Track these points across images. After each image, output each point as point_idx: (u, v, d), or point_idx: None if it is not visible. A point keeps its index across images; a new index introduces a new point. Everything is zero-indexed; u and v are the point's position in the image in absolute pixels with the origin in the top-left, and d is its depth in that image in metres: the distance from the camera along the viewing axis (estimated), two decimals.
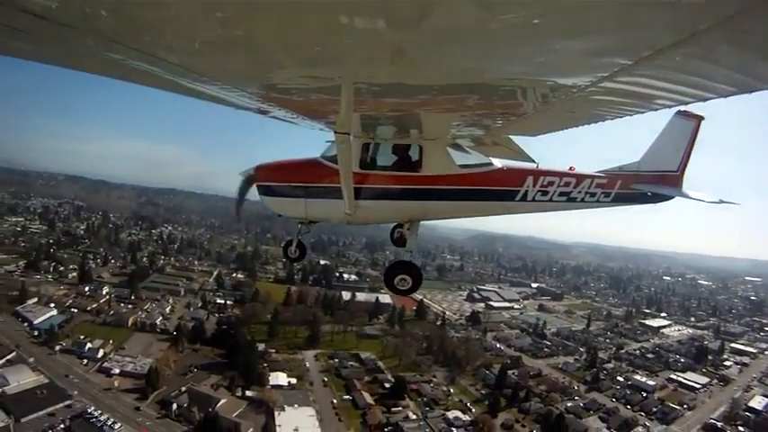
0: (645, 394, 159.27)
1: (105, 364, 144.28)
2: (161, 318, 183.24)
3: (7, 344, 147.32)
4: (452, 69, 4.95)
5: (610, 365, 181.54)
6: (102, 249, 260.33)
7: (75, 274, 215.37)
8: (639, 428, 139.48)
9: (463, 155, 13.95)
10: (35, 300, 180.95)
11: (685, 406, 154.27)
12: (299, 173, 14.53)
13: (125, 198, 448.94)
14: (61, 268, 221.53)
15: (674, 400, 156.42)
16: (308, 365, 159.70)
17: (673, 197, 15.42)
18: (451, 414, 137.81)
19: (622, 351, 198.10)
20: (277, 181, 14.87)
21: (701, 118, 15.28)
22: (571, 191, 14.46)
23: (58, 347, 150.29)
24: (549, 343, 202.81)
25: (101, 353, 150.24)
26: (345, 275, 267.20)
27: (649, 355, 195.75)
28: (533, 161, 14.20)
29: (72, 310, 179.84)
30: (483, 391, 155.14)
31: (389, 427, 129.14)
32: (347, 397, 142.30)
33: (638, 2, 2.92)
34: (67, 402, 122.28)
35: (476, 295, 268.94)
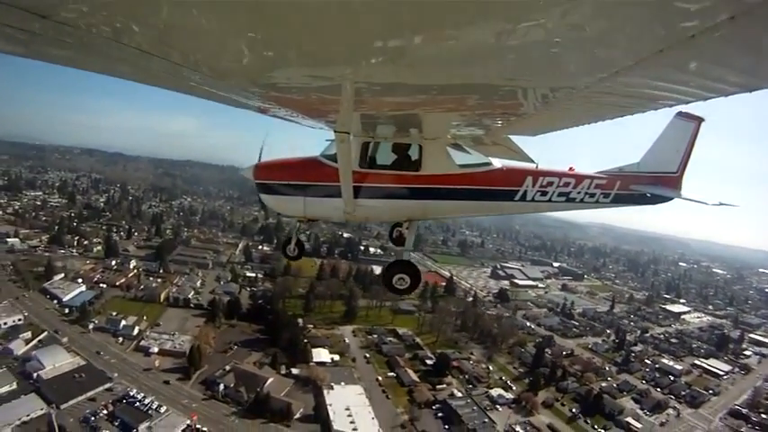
0: (673, 378, 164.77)
1: (142, 343, 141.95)
2: (193, 292, 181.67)
3: (37, 323, 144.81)
4: (452, 69, 4.88)
5: (637, 348, 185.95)
6: (124, 222, 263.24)
7: (99, 247, 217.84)
8: (670, 410, 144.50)
9: (463, 154, 13.94)
10: (62, 276, 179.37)
11: (711, 391, 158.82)
12: (298, 171, 14.49)
13: (142, 170, 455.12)
14: (85, 242, 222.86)
15: (699, 385, 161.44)
16: (347, 341, 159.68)
17: (672, 198, 15.28)
18: (495, 392, 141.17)
19: (647, 334, 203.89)
20: (276, 179, 14.79)
21: (701, 120, 15.14)
22: (570, 191, 14.40)
23: (91, 326, 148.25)
24: (576, 323, 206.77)
25: (136, 330, 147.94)
26: (370, 249, 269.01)
27: (673, 340, 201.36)
28: (533, 161, 14.07)
29: (101, 285, 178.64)
30: (521, 370, 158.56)
31: (437, 405, 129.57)
32: (391, 374, 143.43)
33: (638, 2, 2.94)
34: (108, 385, 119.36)
35: (500, 273, 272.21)
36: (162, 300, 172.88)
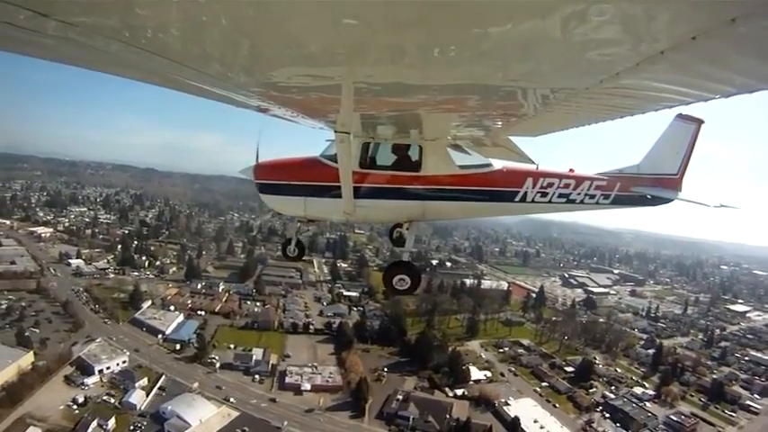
0: (766, 367, 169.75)
1: (288, 380, 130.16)
2: (304, 316, 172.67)
3: (146, 364, 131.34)
4: (452, 69, 4.86)
5: (724, 344, 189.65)
6: (185, 240, 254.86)
7: (174, 268, 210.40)
8: None
9: (463, 155, 13.96)
10: (149, 303, 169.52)
11: None
12: (298, 172, 14.42)
13: (178, 186, 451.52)
14: (157, 263, 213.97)
15: None
16: (483, 356, 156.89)
17: (672, 200, 15.26)
18: (638, 390, 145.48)
19: (725, 332, 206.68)
20: (276, 179, 14.71)
21: (701, 121, 15.19)
22: (570, 192, 14.26)
23: (217, 364, 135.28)
24: (662, 325, 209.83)
25: (268, 365, 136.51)
26: (433, 261, 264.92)
27: (749, 336, 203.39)
28: (533, 162, 14.09)
29: (198, 313, 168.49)
30: (642, 369, 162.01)
31: (599, 407, 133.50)
32: (545, 384, 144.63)
33: (639, 4, 2.97)
34: None
35: (572, 281, 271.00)
36: (276, 326, 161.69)
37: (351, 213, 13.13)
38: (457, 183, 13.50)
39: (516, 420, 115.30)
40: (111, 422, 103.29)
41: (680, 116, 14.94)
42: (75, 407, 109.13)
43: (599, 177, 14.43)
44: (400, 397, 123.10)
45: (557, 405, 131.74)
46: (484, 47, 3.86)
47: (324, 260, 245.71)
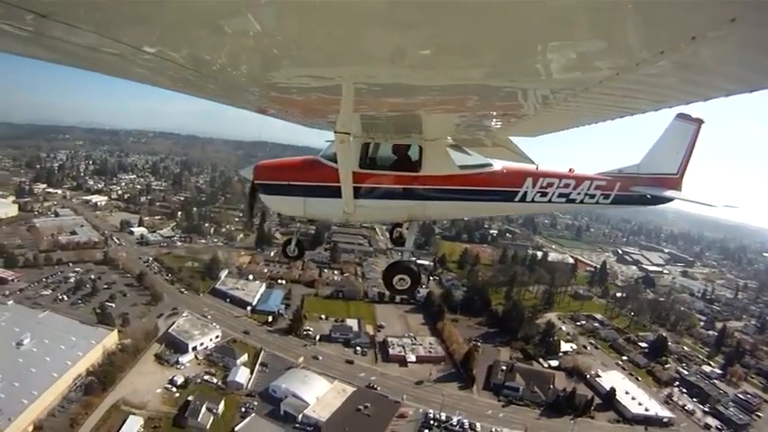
0: None
1: (392, 351, 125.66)
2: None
3: (240, 338, 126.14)
4: (452, 70, 4.84)
5: None
6: (242, 205, 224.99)
7: (242, 235, 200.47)
8: None
9: (463, 155, 13.65)
10: (226, 272, 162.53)
11: None
12: (298, 172, 14.08)
13: (222, 151, 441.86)
14: (223, 230, 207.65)
15: None
16: (563, 329, 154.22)
17: (672, 200, 14.95)
18: (707, 368, 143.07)
19: None
20: (276, 180, 14.28)
21: (701, 121, 14.83)
22: (570, 192, 13.94)
23: (317, 336, 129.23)
24: (717, 308, 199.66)
25: (367, 337, 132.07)
26: (493, 231, 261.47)
27: None
28: (533, 162, 13.92)
29: (279, 282, 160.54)
30: (706, 349, 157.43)
31: (677, 382, 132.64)
32: (624, 357, 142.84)
33: (639, 3, 2.92)
34: (400, 411, 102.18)
35: (626, 258, 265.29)
36: (361, 296, 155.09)
37: (351, 213, 12.85)
38: (457, 183, 13.14)
39: (612, 391, 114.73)
40: (221, 405, 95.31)
41: (680, 116, 14.62)
42: (174, 389, 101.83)
43: (599, 177, 14.08)
44: (504, 367, 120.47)
45: (639, 378, 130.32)
46: (484, 47, 3.86)
47: (385, 227, 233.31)
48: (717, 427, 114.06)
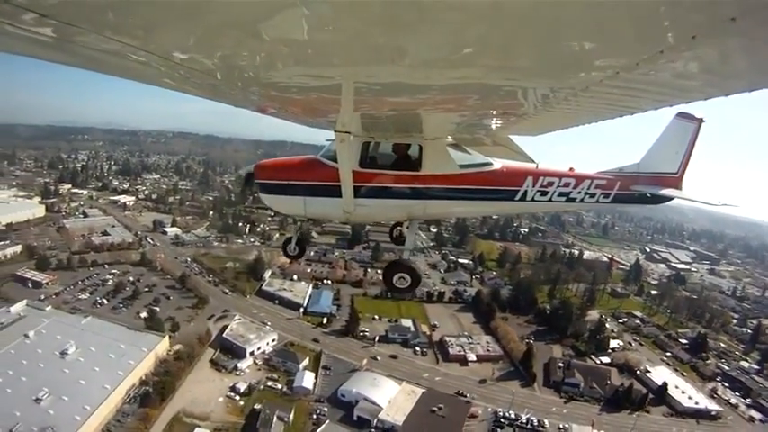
0: None
1: (452, 351, 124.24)
2: (432, 284, 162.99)
3: (298, 341, 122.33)
4: (453, 69, 4.79)
5: None
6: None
7: (278, 235, 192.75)
8: None
9: (463, 155, 13.49)
10: (269, 272, 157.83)
11: None
12: (298, 171, 13.88)
13: (242, 151, 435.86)
14: (258, 229, 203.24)
15: None
16: (607, 326, 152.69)
17: (672, 199, 14.57)
18: (744, 364, 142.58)
19: None
20: (276, 179, 14.08)
21: (702, 120, 14.41)
22: (570, 191, 13.70)
23: (376, 337, 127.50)
24: (747, 305, 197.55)
25: (425, 337, 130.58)
26: (523, 230, 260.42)
27: None
28: (533, 161, 14.01)
29: (325, 282, 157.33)
30: (742, 345, 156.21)
31: (719, 377, 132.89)
32: (668, 353, 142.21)
33: (639, 2, 2.92)
34: (471, 411, 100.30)
35: (655, 255, 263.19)
36: (410, 295, 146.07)
37: (351, 213, 12.71)
38: (457, 182, 12.97)
39: (664, 386, 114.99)
40: (292, 413, 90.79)
41: (680, 115, 14.28)
42: (237, 397, 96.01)
43: (599, 176, 13.76)
44: (561, 364, 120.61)
45: (683, 374, 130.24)
46: (484, 47, 3.84)
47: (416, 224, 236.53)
48: (760, 420, 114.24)
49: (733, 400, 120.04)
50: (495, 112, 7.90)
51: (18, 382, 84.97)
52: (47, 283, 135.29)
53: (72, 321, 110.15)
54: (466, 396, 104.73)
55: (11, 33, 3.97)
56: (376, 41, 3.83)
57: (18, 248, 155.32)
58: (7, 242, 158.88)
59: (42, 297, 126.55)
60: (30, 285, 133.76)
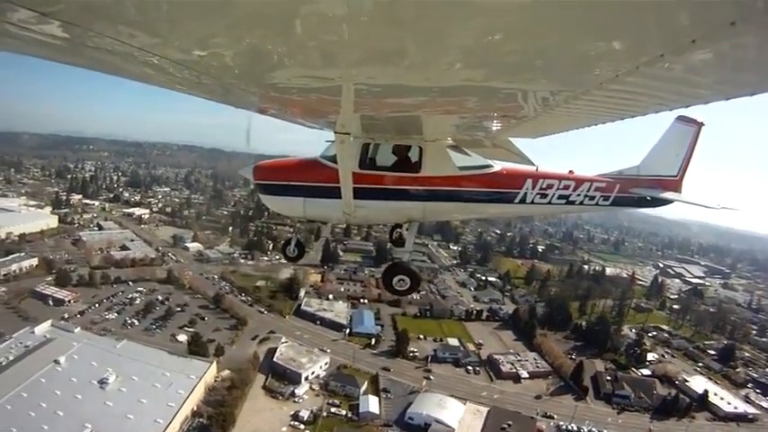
0: None
1: (504, 369, 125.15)
2: (467, 303, 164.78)
3: (350, 364, 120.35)
4: (453, 71, 4.76)
5: None
6: (288, 220, 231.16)
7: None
8: None
9: (463, 156, 13.36)
10: (303, 291, 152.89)
11: None
12: (297, 172, 13.84)
13: (249, 165, 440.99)
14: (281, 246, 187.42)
15: None
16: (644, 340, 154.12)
17: (672, 201, 14.55)
18: None
19: None
20: (276, 180, 14.14)
21: (702, 124, 14.45)
22: (570, 194, 13.64)
23: (429, 358, 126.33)
24: (763, 317, 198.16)
25: (474, 356, 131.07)
26: (540, 247, 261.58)
27: None
28: (533, 164, 14.01)
29: (362, 301, 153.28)
30: (765, 354, 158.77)
31: (750, 383, 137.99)
32: (700, 364, 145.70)
33: (639, 6, 2.93)
34: (537, 426, 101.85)
35: (669, 271, 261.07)
36: (449, 314, 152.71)
37: (350, 214, 12.69)
38: (457, 184, 12.91)
39: (705, 393, 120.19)
40: None
41: (680, 118, 14.30)
42: (302, 426, 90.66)
43: (599, 179, 13.75)
44: (609, 378, 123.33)
45: (717, 382, 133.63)
46: (484, 49, 3.86)
47: (436, 243, 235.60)
48: None
49: (765, 405, 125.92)
50: (495, 115, 7.89)
51: (56, 418, 76.16)
52: (69, 301, 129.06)
53: (105, 345, 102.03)
54: (554, 417, 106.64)
55: (21, 36, 4.02)
56: (376, 43, 3.83)
57: (34, 262, 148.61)
58: (22, 254, 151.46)
59: (66, 316, 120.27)
60: (50, 303, 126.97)
